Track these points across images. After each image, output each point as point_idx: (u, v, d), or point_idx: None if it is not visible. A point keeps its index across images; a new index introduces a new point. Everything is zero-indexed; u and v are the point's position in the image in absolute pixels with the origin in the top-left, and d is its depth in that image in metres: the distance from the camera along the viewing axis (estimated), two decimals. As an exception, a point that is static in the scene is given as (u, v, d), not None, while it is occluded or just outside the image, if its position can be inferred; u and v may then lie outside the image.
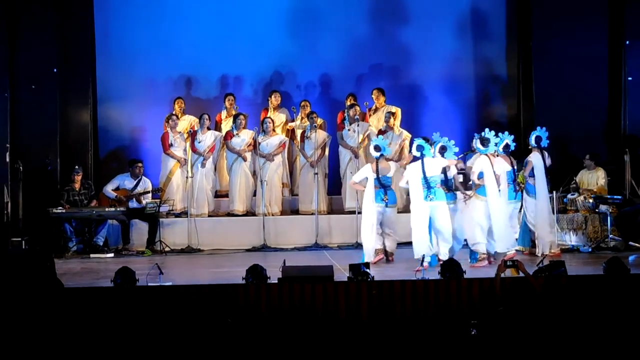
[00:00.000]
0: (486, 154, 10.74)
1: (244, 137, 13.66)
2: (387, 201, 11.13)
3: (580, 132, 13.82)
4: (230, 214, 13.67)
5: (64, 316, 7.84)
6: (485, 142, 10.76)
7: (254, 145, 13.52)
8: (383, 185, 11.13)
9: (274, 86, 14.93)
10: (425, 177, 10.60)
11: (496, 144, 10.91)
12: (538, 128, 11.46)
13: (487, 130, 10.85)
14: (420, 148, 10.68)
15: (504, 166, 10.78)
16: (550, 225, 11.42)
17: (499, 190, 10.66)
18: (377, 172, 11.11)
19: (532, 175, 11.35)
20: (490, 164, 10.67)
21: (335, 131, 14.04)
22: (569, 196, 12.62)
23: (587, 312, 8.10)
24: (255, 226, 13.16)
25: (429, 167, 10.63)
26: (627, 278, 8.45)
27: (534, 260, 10.07)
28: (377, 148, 11.22)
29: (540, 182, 11.31)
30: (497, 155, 10.90)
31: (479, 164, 10.75)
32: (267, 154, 13.53)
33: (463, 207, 10.90)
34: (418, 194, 10.66)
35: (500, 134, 10.96)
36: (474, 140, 11.27)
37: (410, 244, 11.80)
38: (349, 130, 13.58)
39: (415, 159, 11.01)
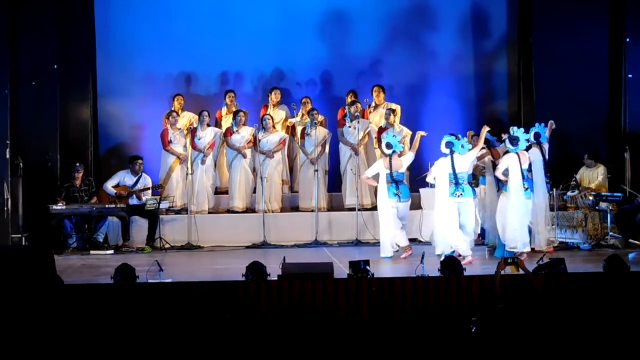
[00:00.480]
0: (516, 152, 10.83)
1: (244, 133, 13.65)
2: (400, 195, 11.30)
3: (580, 129, 13.82)
4: (230, 211, 13.66)
5: (64, 313, 7.84)
6: (514, 140, 10.83)
7: (254, 142, 13.52)
8: (395, 181, 11.31)
9: (274, 83, 14.92)
10: (454, 173, 10.74)
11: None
12: (537, 124, 11.46)
13: (515, 128, 10.96)
14: (449, 144, 10.83)
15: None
16: (546, 222, 11.46)
17: (528, 189, 10.84)
18: (390, 168, 11.26)
19: (529, 170, 11.38)
20: (519, 162, 10.78)
21: (335, 128, 14.04)
22: (569, 194, 12.62)
23: (587, 309, 8.10)
24: (255, 223, 13.15)
25: (458, 163, 10.73)
26: (627, 276, 8.46)
27: (532, 257, 10.08)
28: (388, 145, 11.38)
29: (539, 178, 11.34)
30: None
31: (506, 161, 10.83)
32: (267, 150, 13.52)
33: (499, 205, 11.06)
34: (444, 190, 10.81)
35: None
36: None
37: (412, 240, 11.98)
38: (349, 127, 13.57)
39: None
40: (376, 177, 11.57)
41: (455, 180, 10.75)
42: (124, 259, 10.03)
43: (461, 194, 10.75)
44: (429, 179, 11.42)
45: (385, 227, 11.32)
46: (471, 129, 12.68)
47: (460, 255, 10.34)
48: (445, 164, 10.85)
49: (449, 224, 10.73)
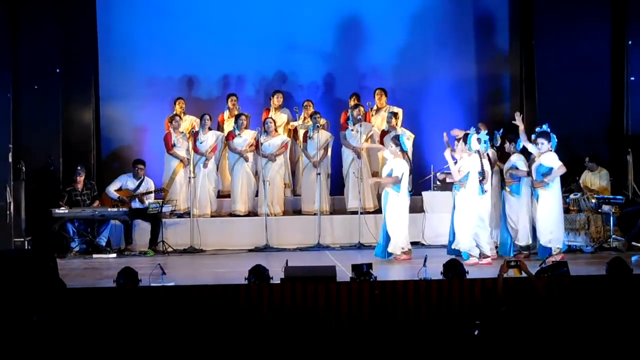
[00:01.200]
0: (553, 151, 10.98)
1: (246, 137, 13.65)
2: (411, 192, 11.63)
3: (582, 132, 13.80)
4: (232, 214, 13.66)
5: (67, 316, 7.84)
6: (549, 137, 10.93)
7: (256, 146, 13.52)
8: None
9: (276, 86, 14.93)
10: (483, 171, 10.83)
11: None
12: (544, 126, 11.42)
13: (544, 126, 11.01)
14: (480, 141, 10.86)
15: None
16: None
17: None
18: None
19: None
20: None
21: (338, 131, 14.05)
22: (572, 196, 12.62)
23: (590, 312, 8.10)
24: (257, 226, 13.14)
25: (486, 160, 10.83)
26: (629, 278, 8.45)
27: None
28: (404, 145, 11.54)
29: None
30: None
31: (552, 159, 10.85)
32: (269, 154, 13.52)
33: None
34: (475, 187, 10.81)
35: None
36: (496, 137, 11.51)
37: (414, 244, 12.04)
38: (352, 130, 13.57)
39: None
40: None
41: (483, 177, 10.83)
42: (126, 262, 10.00)
43: (487, 191, 10.92)
44: (454, 170, 11.17)
45: (403, 226, 11.37)
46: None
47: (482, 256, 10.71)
48: (475, 161, 10.86)
49: (477, 223, 10.81)
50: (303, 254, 12.29)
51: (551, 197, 10.91)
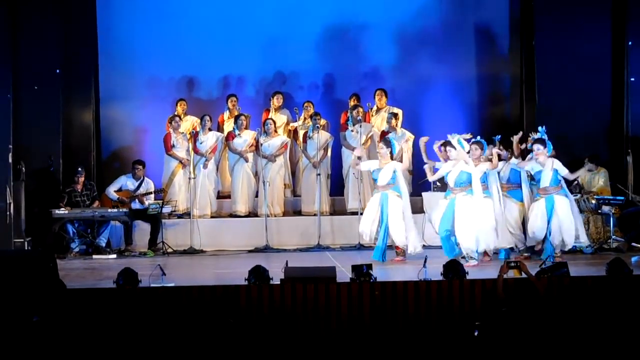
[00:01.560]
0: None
1: (246, 137, 13.65)
2: None
3: (582, 132, 13.79)
4: (232, 215, 13.67)
5: (67, 317, 7.84)
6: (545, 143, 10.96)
7: (256, 146, 13.52)
8: None
9: (276, 87, 14.93)
10: (486, 174, 10.88)
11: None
12: (540, 132, 11.38)
13: (540, 133, 11.02)
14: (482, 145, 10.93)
15: None
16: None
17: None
18: None
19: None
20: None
21: (338, 132, 14.05)
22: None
23: (590, 313, 8.10)
24: (257, 227, 13.14)
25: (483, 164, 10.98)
26: (629, 279, 8.45)
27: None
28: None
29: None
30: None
31: (561, 165, 10.92)
32: (269, 154, 13.52)
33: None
34: (479, 190, 10.83)
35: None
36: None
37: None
38: (352, 131, 13.57)
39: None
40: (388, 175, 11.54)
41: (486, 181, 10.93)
42: (126, 263, 10.01)
43: (491, 193, 10.98)
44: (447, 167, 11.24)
45: (412, 225, 11.41)
46: (474, 132, 12.68)
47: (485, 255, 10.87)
48: (473, 165, 10.90)
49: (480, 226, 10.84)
50: (303, 255, 12.29)
51: (567, 199, 10.91)
